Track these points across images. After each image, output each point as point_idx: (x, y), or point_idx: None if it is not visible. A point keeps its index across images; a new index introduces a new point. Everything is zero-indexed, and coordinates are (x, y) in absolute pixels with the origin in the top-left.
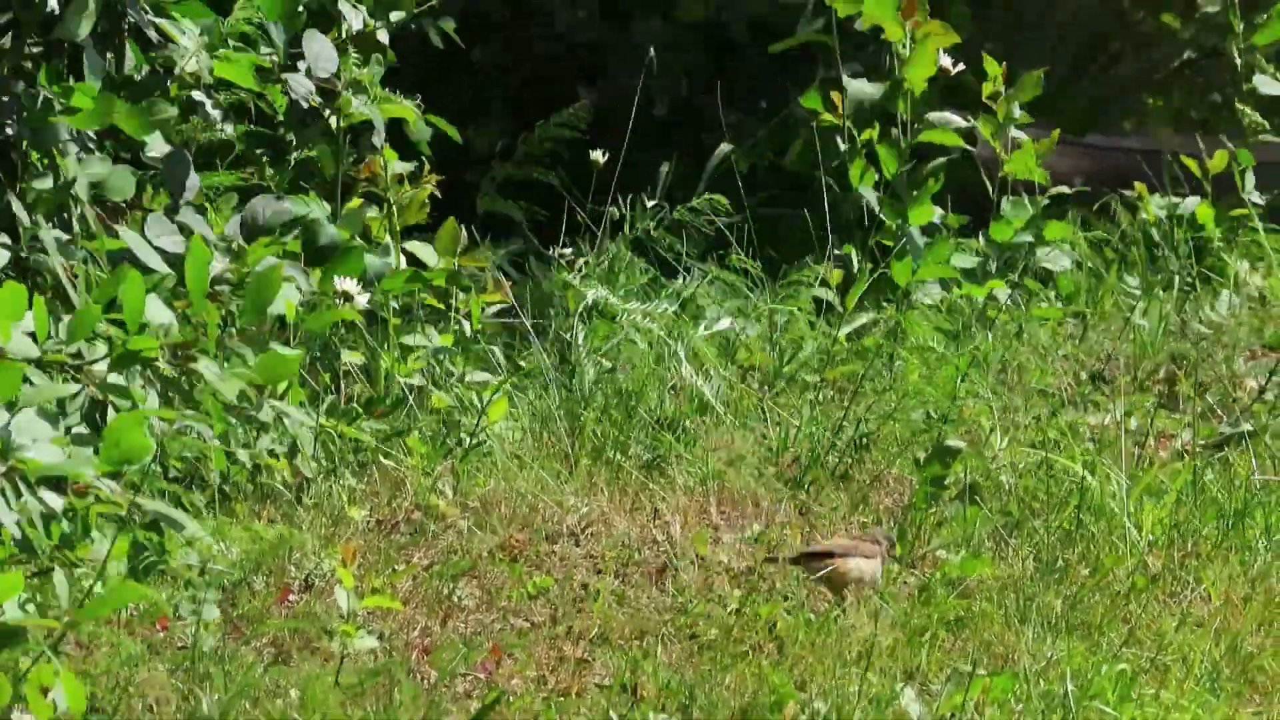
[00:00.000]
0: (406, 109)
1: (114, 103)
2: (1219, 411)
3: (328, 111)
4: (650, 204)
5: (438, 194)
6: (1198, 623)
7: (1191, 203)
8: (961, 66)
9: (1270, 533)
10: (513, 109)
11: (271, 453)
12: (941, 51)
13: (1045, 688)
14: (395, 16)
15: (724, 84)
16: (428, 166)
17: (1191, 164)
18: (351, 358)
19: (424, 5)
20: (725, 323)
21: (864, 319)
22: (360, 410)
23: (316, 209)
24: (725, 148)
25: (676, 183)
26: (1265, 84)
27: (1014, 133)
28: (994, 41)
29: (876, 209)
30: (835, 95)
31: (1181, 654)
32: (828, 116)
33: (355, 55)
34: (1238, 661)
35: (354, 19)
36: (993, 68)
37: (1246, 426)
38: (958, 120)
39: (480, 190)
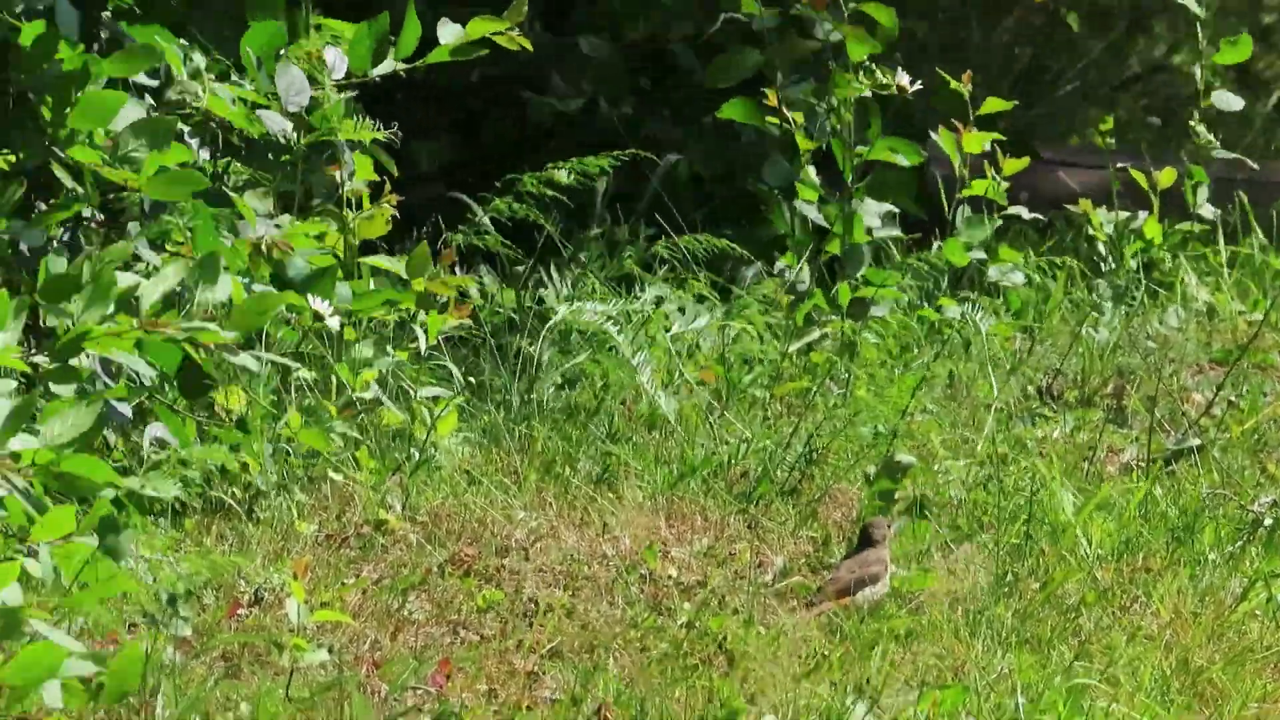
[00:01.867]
0: (367, 133)
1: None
2: (1167, 426)
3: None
4: (594, 232)
5: (396, 214)
6: (1148, 636)
7: (1139, 217)
8: (919, 85)
9: (1220, 547)
10: (457, 125)
11: (234, 454)
12: (900, 71)
13: (995, 701)
14: (382, 69)
15: (669, 100)
16: (388, 186)
17: (1140, 179)
18: (304, 374)
19: (412, 65)
20: (702, 320)
21: (814, 334)
22: (330, 412)
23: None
24: (671, 157)
25: (620, 197)
26: (1223, 100)
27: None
28: (937, 61)
29: (824, 223)
30: (772, 96)
31: (1132, 667)
32: (773, 120)
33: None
34: (1187, 675)
35: (339, 68)
36: (956, 84)
37: (1195, 441)
38: (910, 145)
39: (438, 215)
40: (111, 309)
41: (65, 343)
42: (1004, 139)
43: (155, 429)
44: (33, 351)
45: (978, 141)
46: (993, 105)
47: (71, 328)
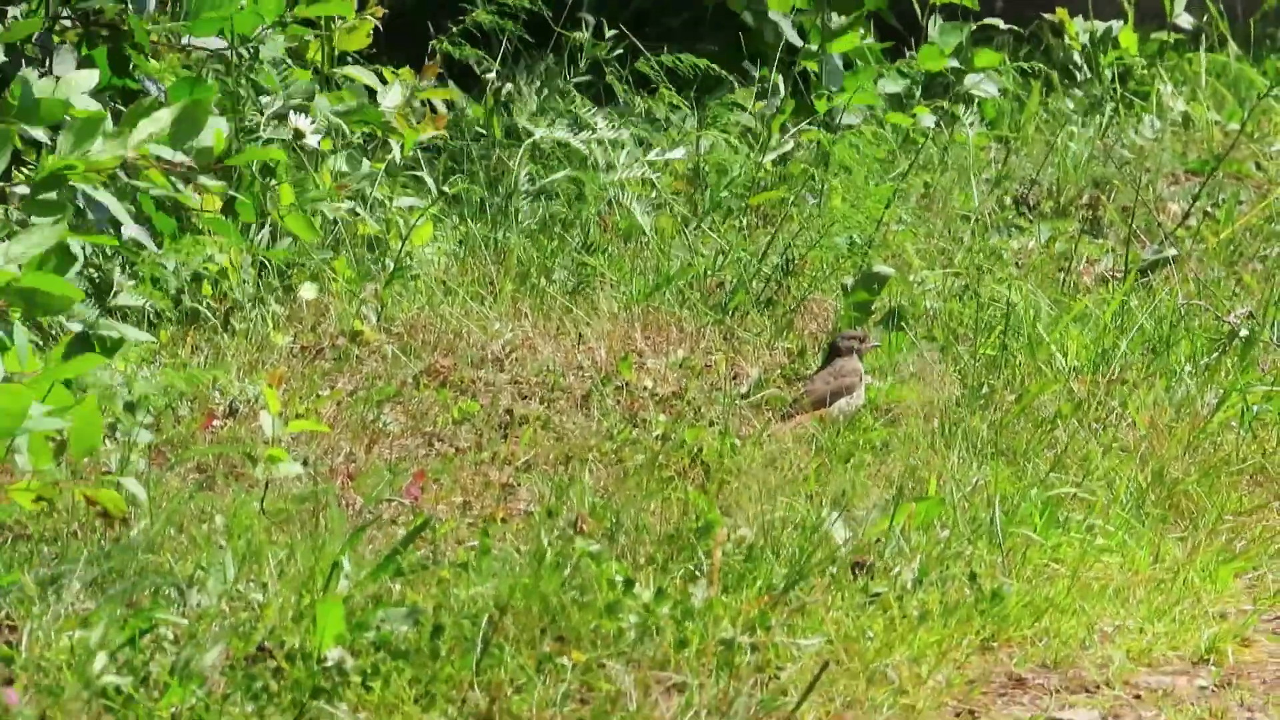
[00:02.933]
0: None
1: None
2: (1143, 236)
3: None
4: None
5: (379, 26)
6: (1123, 448)
7: (1114, 26)
8: None
9: (1195, 359)
10: None
11: (202, 273)
12: None
13: (971, 513)
14: None
15: None
16: None
17: None
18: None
19: None
20: (679, 152)
21: (789, 145)
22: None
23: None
24: None
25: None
26: None
27: None
28: None
29: (793, 38)
30: None
31: (1108, 479)
32: None
33: None
34: (1163, 487)
35: None
36: None
37: (1170, 251)
38: None
39: (428, 23)
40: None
41: (47, 174)
42: None
43: (131, 229)
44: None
45: None
46: None
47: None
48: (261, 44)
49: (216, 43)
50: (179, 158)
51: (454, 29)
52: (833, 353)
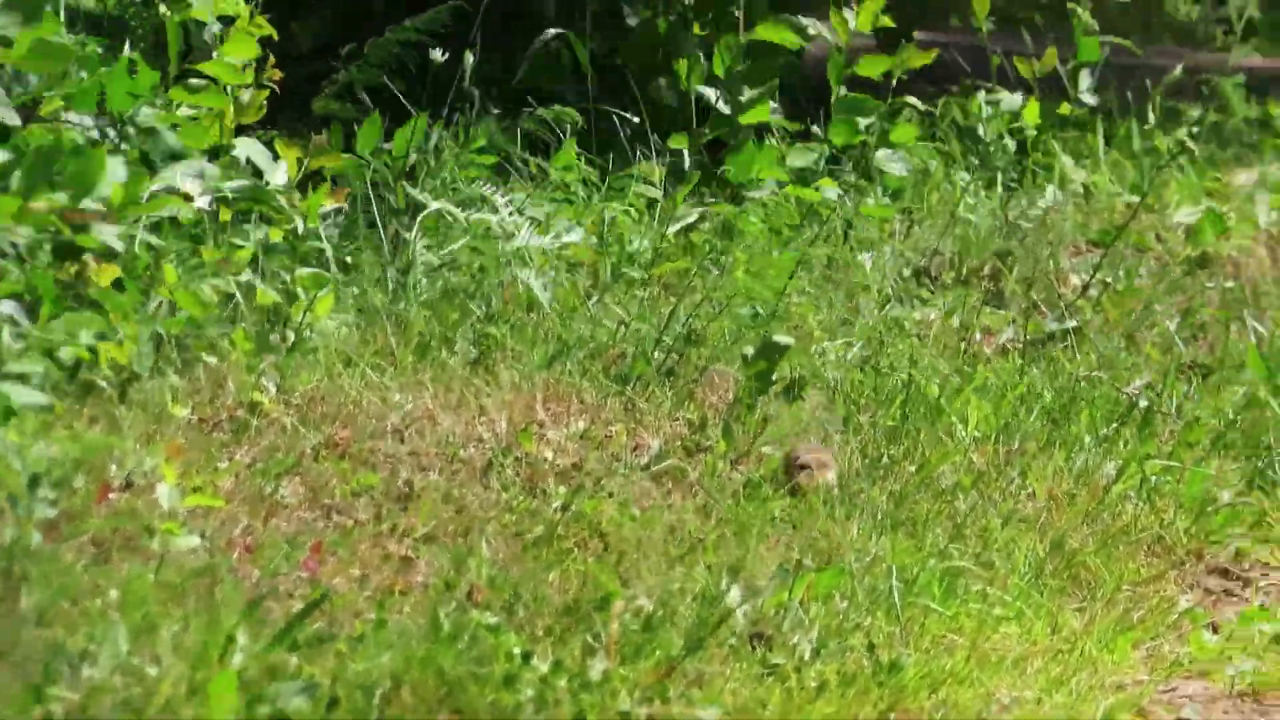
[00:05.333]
0: (237, 4)
1: None
2: (1044, 308)
3: (162, 7)
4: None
5: (277, 90)
6: (1023, 519)
7: (1018, 99)
8: None
9: (1094, 429)
10: (338, 6)
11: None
12: None
13: (871, 584)
14: None
15: None
16: (270, 63)
17: (1023, 65)
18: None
19: None
20: (575, 235)
21: (693, 216)
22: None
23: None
24: (550, 32)
25: (504, 79)
26: None
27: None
28: None
29: (714, 103)
30: None
31: (1007, 550)
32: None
33: None
34: (1062, 557)
35: None
36: None
37: (1071, 322)
38: (803, 21)
39: (322, 93)
40: None
41: None
42: (892, 25)
43: (6, 305)
44: None
45: (868, 19)
46: None
47: None
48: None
49: (88, 121)
50: (85, 205)
51: (358, 97)
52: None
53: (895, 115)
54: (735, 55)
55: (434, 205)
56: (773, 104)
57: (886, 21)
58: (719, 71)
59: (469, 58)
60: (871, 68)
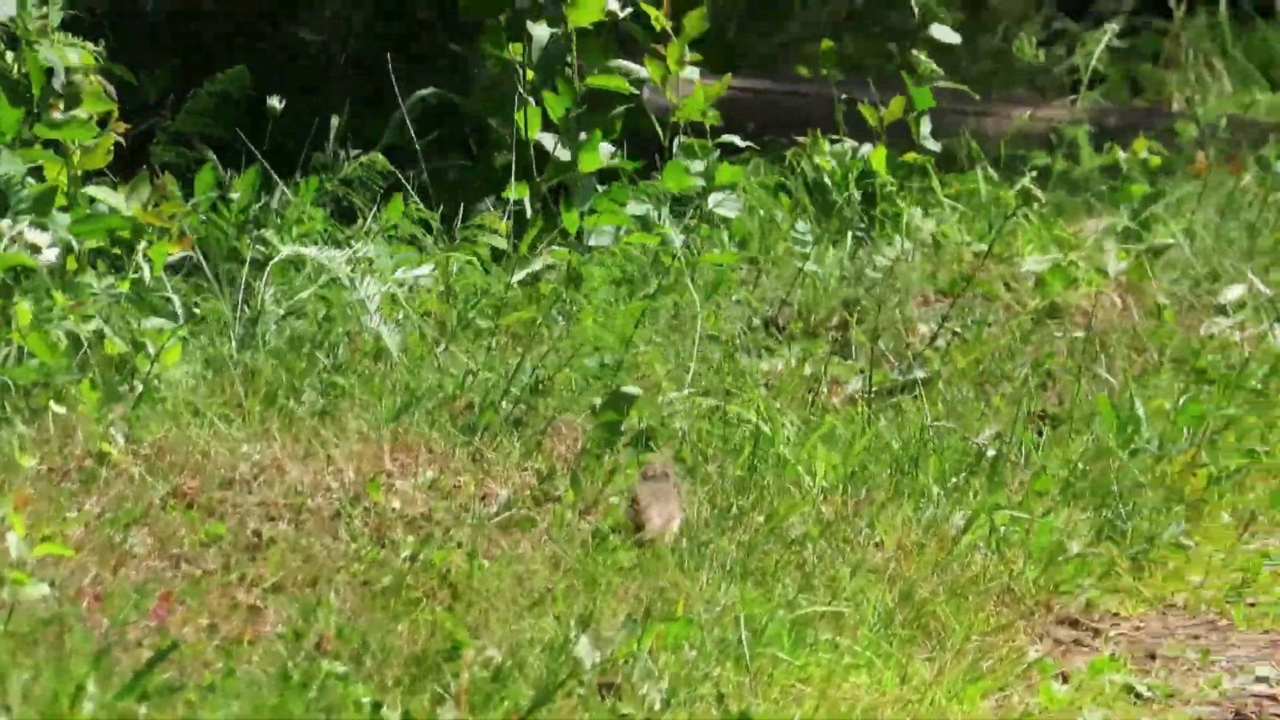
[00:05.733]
0: (87, 55)
1: None
2: (892, 358)
3: (10, 56)
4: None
5: (122, 142)
6: (872, 569)
7: (865, 149)
8: (630, 9)
9: (943, 479)
10: (187, 57)
11: None
12: None
13: (720, 634)
14: None
15: (405, 41)
16: (115, 113)
17: (867, 111)
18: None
19: None
20: (425, 269)
21: (538, 265)
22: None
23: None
24: (422, 92)
25: (356, 135)
26: (941, 32)
27: (688, 73)
28: None
29: (553, 151)
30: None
31: (855, 600)
32: (506, 53)
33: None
34: (911, 607)
35: None
36: (652, 10)
37: (919, 373)
38: (632, 67)
39: (155, 141)
40: None
41: None
42: (729, 66)
43: None
44: None
45: (675, 62)
46: (691, 25)
47: None
48: None
49: None
50: None
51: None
52: (646, 476)
53: (723, 159)
54: (570, 102)
55: (285, 250)
56: (608, 148)
57: (694, 58)
58: (555, 119)
59: (335, 120)
60: (690, 108)
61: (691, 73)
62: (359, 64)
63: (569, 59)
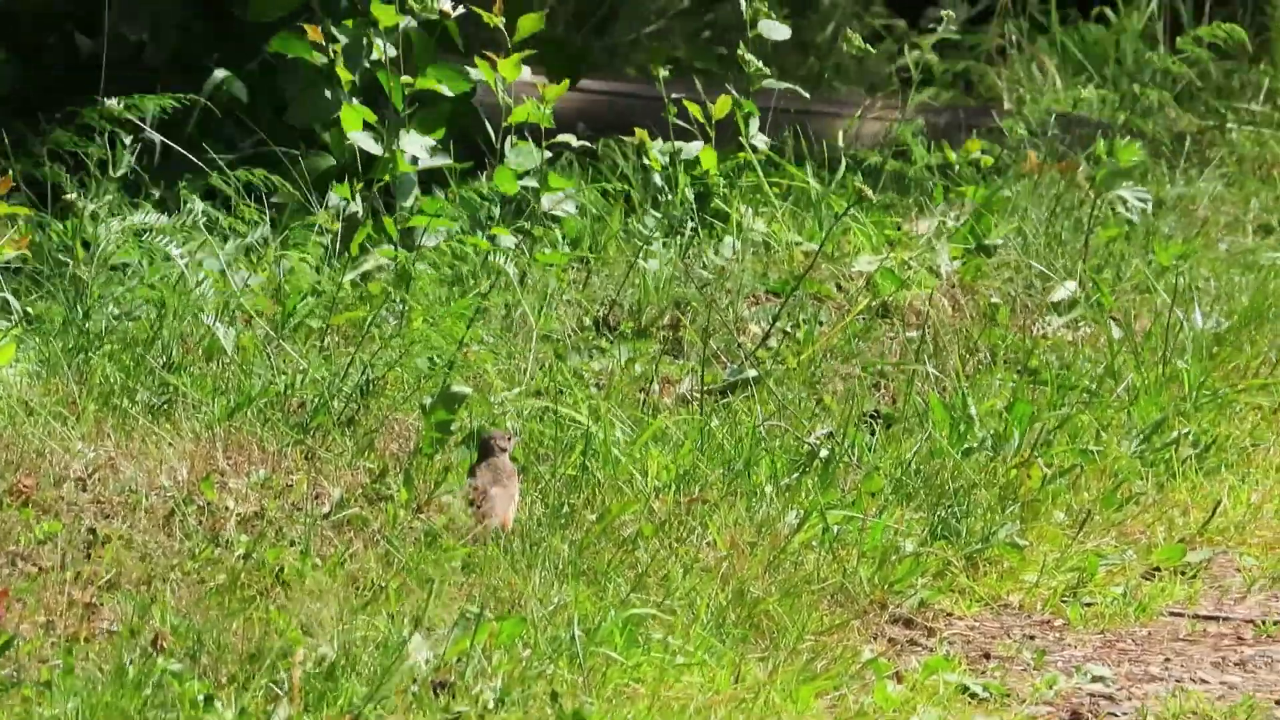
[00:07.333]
0: None
1: None
2: (724, 357)
3: None
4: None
5: None
6: (705, 568)
7: (694, 148)
8: (461, 9)
9: (776, 479)
10: (18, 51)
11: None
12: None
13: (553, 633)
14: None
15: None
16: None
17: (695, 110)
18: None
19: None
20: (253, 283)
21: (369, 265)
22: None
23: None
24: (219, 74)
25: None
26: (770, 29)
27: (526, 76)
28: None
29: (373, 152)
30: (312, 31)
31: (689, 599)
32: (318, 56)
33: None
34: (744, 606)
35: None
36: (486, 15)
37: (751, 372)
38: (462, 68)
39: None
40: None
41: None
42: (570, 72)
43: None
44: None
45: (513, 68)
46: (526, 26)
47: None
48: None
49: None
50: None
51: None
52: (485, 452)
53: (555, 160)
54: (403, 104)
55: (112, 247)
56: (426, 141)
57: (525, 53)
58: (369, 120)
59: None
60: (524, 111)
61: (526, 74)
62: (177, 60)
63: (392, 59)
